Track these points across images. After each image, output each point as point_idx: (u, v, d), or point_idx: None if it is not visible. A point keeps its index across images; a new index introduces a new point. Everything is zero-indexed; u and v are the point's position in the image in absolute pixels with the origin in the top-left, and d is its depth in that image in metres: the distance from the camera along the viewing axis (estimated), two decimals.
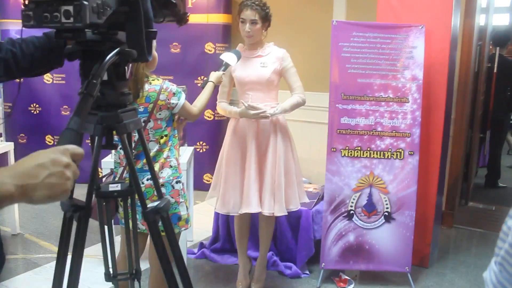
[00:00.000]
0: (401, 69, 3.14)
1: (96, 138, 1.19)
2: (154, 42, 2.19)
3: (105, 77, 1.10)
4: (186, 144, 3.75)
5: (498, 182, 5.87)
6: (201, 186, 5.12)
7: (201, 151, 5.20)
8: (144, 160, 2.19)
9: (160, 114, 2.19)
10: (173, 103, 2.21)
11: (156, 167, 2.19)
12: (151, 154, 2.20)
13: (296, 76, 2.95)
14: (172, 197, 2.22)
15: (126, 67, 1.17)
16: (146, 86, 2.16)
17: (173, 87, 2.22)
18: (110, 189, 1.37)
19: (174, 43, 5.11)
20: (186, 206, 2.30)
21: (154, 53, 2.23)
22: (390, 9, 3.39)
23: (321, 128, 4.68)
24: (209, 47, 5.06)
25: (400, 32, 3.13)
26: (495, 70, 5.55)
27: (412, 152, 3.16)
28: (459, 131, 4.38)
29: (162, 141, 2.21)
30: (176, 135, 2.31)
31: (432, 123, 3.35)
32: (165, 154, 2.21)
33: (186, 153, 3.55)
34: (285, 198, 2.90)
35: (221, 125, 5.14)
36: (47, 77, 5.26)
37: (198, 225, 4.14)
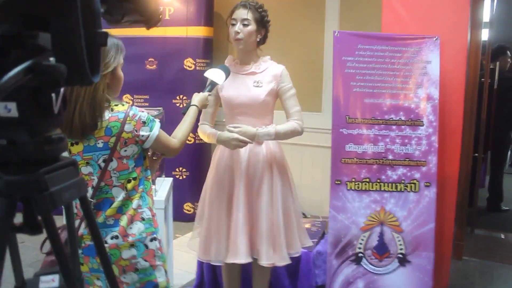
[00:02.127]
0: (414, 87, 2.70)
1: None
2: (121, 58, 1.69)
3: (13, 113, 0.61)
4: (163, 175, 3.23)
5: (501, 205, 5.49)
6: (181, 216, 4.60)
7: (180, 178, 4.67)
8: (108, 212, 1.68)
9: (125, 150, 1.68)
10: (143, 136, 1.70)
11: (123, 220, 1.68)
12: (115, 203, 1.68)
13: (294, 99, 2.48)
14: (146, 260, 1.71)
15: (54, 95, 0.68)
16: (107, 114, 1.65)
17: (143, 114, 1.71)
18: (41, 286, 0.85)
19: (149, 59, 4.61)
20: (165, 270, 1.78)
21: (121, 73, 1.72)
22: (397, 19, 2.95)
23: (314, 151, 4.25)
24: (188, 63, 4.57)
25: (412, 44, 2.70)
26: (495, 86, 5.20)
27: (428, 184, 2.71)
28: (466, 154, 3.97)
29: (129, 186, 1.69)
30: (149, 176, 1.79)
31: (448, 148, 2.90)
32: (134, 203, 1.70)
33: (164, 186, 3.04)
34: (285, 242, 2.41)
35: (203, 149, 4.64)
36: None
37: (178, 265, 3.59)
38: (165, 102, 4.32)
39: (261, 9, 2.43)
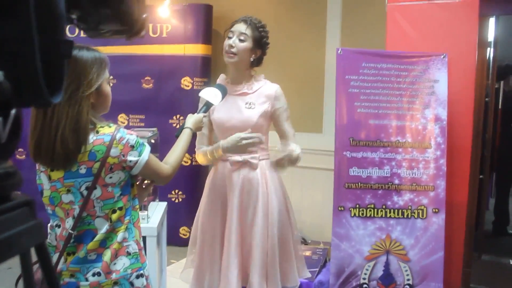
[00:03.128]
0: (421, 107, 2.57)
1: None
2: (106, 73, 1.55)
3: None
4: (157, 200, 3.07)
5: (507, 228, 5.32)
6: (177, 241, 4.42)
7: (176, 201, 4.51)
8: (90, 245, 1.51)
9: (111, 177, 1.52)
10: (130, 161, 1.54)
11: (107, 255, 1.51)
12: (98, 236, 1.52)
13: (289, 122, 2.33)
14: None
15: (0, 118, 0.53)
16: (91, 137, 1.49)
17: (131, 137, 1.55)
18: None
19: (146, 78, 4.48)
20: None
21: (107, 88, 1.57)
22: (403, 36, 2.84)
23: (314, 174, 4.09)
24: (186, 82, 4.45)
25: (418, 62, 2.58)
26: (500, 106, 5.09)
27: (437, 210, 2.56)
28: (473, 176, 3.83)
29: (114, 217, 1.53)
30: (137, 206, 1.63)
31: (457, 172, 2.76)
32: (119, 236, 1.53)
33: (157, 211, 2.88)
34: (280, 274, 2.24)
35: (199, 171, 4.48)
36: None
37: None
38: (162, 122, 4.18)
39: (261, 29, 2.29)
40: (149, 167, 1.57)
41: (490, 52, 4.98)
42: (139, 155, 1.54)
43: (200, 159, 2.38)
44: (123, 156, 1.50)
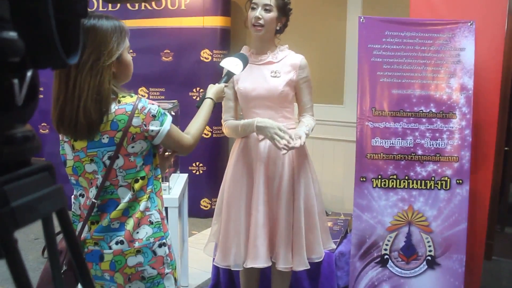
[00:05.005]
0: (446, 76, 2.50)
1: None
2: (127, 41, 1.54)
3: None
4: (178, 171, 3.09)
5: None
6: (198, 212, 4.47)
7: (197, 173, 4.53)
8: (113, 214, 1.53)
9: (133, 147, 1.52)
10: (152, 131, 1.53)
11: (130, 224, 1.52)
12: (121, 205, 1.53)
13: (311, 93, 2.30)
14: (153, 268, 1.56)
15: (16, 80, 0.52)
16: (113, 107, 1.49)
17: (153, 107, 1.54)
18: None
19: (165, 50, 4.46)
20: (175, 279, 1.63)
21: (128, 57, 1.56)
22: (427, 3, 2.74)
23: (335, 145, 4.06)
24: (205, 55, 4.42)
25: (444, 30, 2.49)
26: None
27: (460, 181, 2.52)
28: (499, 148, 3.74)
29: (136, 186, 1.54)
30: (159, 176, 1.64)
31: (482, 143, 2.69)
32: (142, 205, 1.54)
33: (178, 182, 2.90)
34: (306, 245, 2.24)
35: (220, 143, 4.49)
36: None
37: (193, 263, 3.46)
38: (181, 95, 4.18)
39: None
40: (170, 137, 1.57)
41: None
42: (161, 125, 1.53)
43: (228, 131, 2.35)
44: (145, 125, 1.50)
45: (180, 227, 3.04)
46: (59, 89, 1.46)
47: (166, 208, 2.54)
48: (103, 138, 1.48)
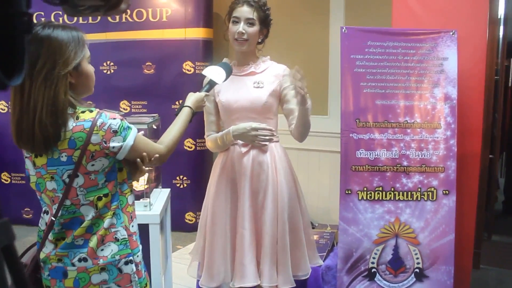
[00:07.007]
0: (430, 86, 2.49)
1: None
2: (86, 51, 1.47)
3: None
4: (160, 186, 3.01)
5: None
6: (182, 226, 4.39)
7: (181, 186, 4.46)
8: (77, 231, 1.46)
9: (93, 165, 1.44)
10: (114, 147, 1.45)
11: (93, 241, 1.46)
12: (85, 223, 1.47)
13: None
14: (119, 286, 1.49)
15: None
16: (71, 124, 1.41)
17: (114, 122, 1.45)
18: None
19: (147, 63, 4.40)
20: None
21: (88, 67, 1.49)
22: (409, 13, 2.73)
23: (320, 156, 4.03)
24: (187, 67, 4.37)
25: (426, 40, 2.48)
26: (510, 84, 4.97)
27: (447, 191, 2.49)
28: (483, 156, 3.73)
29: (100, 204, 1.47)
30: (126, 190, 1.56)
31: (467, 152, 2.68)
32: (106, 222, 1.47)
33: (160, 197, 2.83)
34: (291, 262, 2.18)
35: (204, 156, 4.43)
36: (2, 106, 4.49)
37: (178, 280, 3.37)
38: (164, 108, 4.11)
39: (265, 7, 2.20)
40: (136, 151, 1.50)
41: (500, 29, 4.86)
42: (124, 140, 1.45)
43: (210, 146, 2.29)
44: (105, 142, 1.42)
45: (162, 243, 2.96)
46: (15, 101, 1.39)
47: (146, 225, 2.47)
48: (62, 156, 1.41)
